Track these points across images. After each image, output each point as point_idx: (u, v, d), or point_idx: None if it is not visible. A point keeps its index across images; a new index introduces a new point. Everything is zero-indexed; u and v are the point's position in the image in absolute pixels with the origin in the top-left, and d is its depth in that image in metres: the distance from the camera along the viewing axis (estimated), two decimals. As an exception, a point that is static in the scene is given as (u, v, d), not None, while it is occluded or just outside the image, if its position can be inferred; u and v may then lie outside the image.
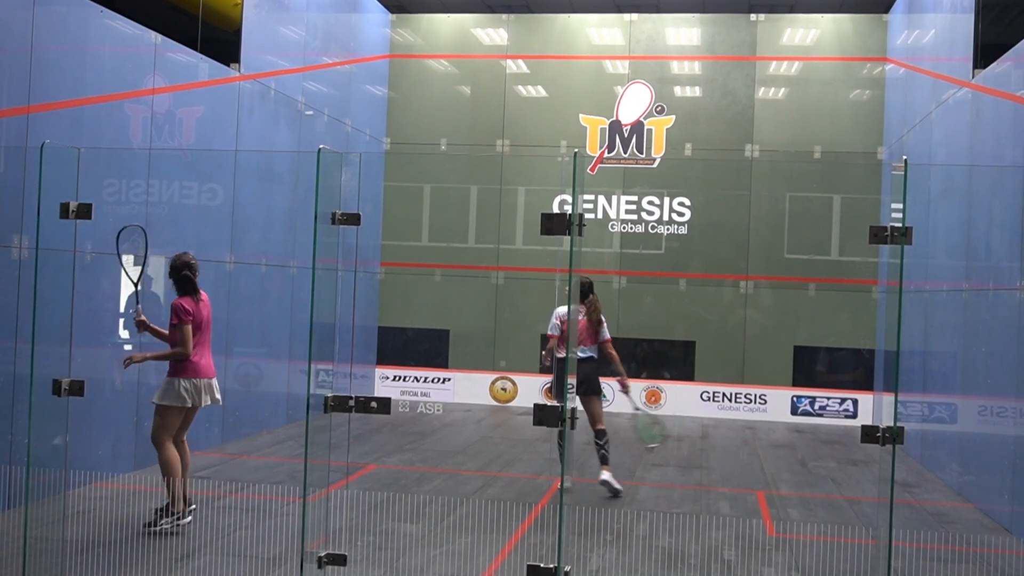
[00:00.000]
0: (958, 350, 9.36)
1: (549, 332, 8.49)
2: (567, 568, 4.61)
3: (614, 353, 8.45)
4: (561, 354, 8.28)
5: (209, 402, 6.85)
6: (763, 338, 14.12)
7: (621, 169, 14.47)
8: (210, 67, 9.77)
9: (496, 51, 14.93)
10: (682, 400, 14.13)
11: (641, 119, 14.47)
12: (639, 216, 14.40)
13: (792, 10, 14.31)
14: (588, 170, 14.38)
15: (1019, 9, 9.94)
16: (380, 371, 14.68)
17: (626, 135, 14.48)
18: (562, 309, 8.38)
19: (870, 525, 7.40)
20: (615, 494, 8.16)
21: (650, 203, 14.39)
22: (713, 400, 14.08)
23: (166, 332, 6.84)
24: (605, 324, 8.43)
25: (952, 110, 10.14)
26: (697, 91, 14.60)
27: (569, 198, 4.48)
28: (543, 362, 8.75)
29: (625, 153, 14.48)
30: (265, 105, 10.92)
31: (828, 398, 13.87)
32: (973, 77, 9.34)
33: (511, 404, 14.30)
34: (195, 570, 5.78)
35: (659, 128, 14.43)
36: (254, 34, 10.63)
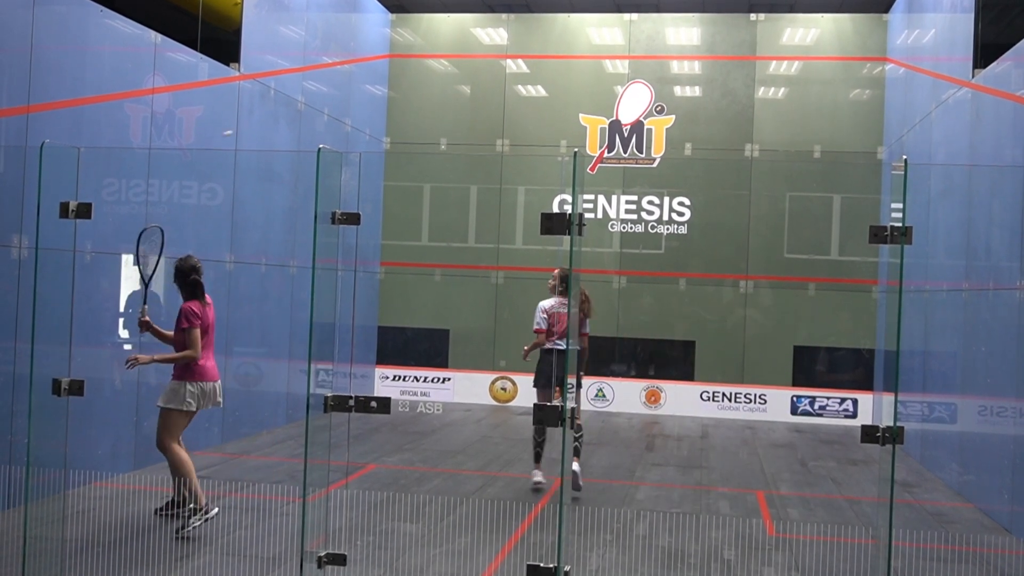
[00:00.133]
0: (958, 350, 9.36)
1: (535, 326, 8.39)
2: (567, 568, 4.61)
3: (586, 347, 8.48)
4: (550, 346, 8.26)
5: (211, 406, 6.84)
6: (763, 338, 14.12)
7: (621, 169, 14.47)
8: (210, 67, 9.77)
9: (496, 51, 14.93)
10: (682, 400, 14.14)
11: (641, 119, 14.48)
12: (639, 216, 14.40)
13: (792, 10, 14.31)
14: (588, 170, 14.38)
15: (1019, 9, 9.94)
16: (380, 371, 14.68)
17: (626, 135, 14.48)
18: (547, 302, 8.35)
19: (870, 525, 7.40)
20: (576, 487, 8.00)
21: (650, 203, 14.39)
22: (713, 400, 14.08)
23: (169, 334, 6.82)
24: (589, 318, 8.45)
25: (952, 110, 10.14)
26: (697, 91, 14.60)
27: (569, 198, 4.48)
28: (524, 357, 8.69)
29: (625, 153, 14.48)
30: (265, 105, 10.92)
31: (828, 398, 13.87)
32: (973, 77, 9.34)
33: (511, 404, 14.31)
34: (195, 570, 5.78)
35: (659, 128, 14.43)
36: (254, 34, 10.62)
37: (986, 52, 9.15)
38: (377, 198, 14.63)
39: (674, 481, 9.26)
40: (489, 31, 14.97)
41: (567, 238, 4.42)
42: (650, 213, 14.38)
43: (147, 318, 6.69)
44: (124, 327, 8.52)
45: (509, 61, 14.90)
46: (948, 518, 8.15)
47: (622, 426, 12.86)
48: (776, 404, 13.95)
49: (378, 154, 14.70)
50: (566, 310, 8.24)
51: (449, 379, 14.49)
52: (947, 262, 10.08)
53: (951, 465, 9.45)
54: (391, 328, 14.87)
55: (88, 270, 7.75)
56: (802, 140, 14.23)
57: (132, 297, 8.55)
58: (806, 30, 14.32)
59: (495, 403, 14.29)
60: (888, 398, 4.69)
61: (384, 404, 4.78)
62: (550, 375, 8.25)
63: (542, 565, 4.65)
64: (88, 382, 5.13)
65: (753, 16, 14.34)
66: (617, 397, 14.24)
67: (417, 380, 14.61)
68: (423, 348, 14.85)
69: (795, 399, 13.93)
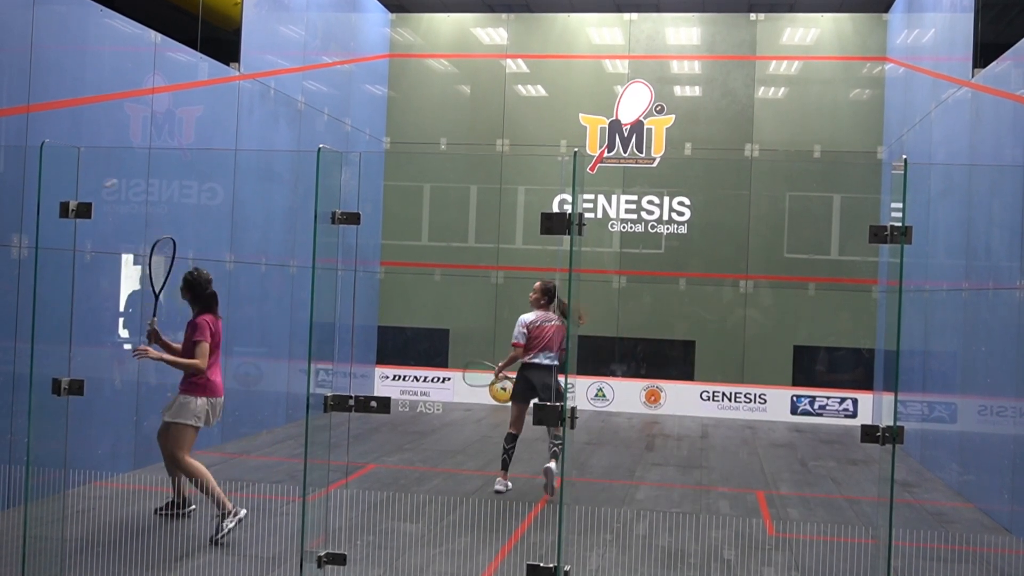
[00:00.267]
0: (958, 350, 9.36)
1: (514, 340, 8.13)
2: (567, 567, 4.61)
3: (561, 360, 8.24)
4: (528, 361, 8.07)
5: (214, 423, 6.78)
6: (763, 338, 14.12)
7: (621, 168, 14.47)
8: (210, 66, 9.77)
9: (496, 51, 14.93)
10: (682, 400, 14.14)
11: (641, 119, 14.48)
12: (639, 216, 14.40)
13: (792, 9, 14.31)
14: (588, 169, 14.38)
15: (1019, 8, 9.95)
16: (380, 370, 14.68)
17: (626, 135, 14.48)
18: (528, 316, 8.16)
19: (870, 525, 7.40)
20: (549, 489, 7.87)
21: (650, 203, 14.39)
22: (713, 400, 14.08)
23: (177, 347, 6.71)
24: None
25: (952, 109, 10.14)
26: (697, 91, 14.60)
27: (569, 197, 4.48)
28: (496, 375, 8.42)
29: (625, 153, 14.48)
30: (265, 104, 10.92)
31: (828, 398, 13.87)
32: (973, 76, 9.34)
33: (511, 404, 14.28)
34: (195, 569, 5.78)
35: (659, 127, 14.43)
36: (254, 33, 10.62)
37: (986, 52, 9.15)
38: (377, 198, 14.63)
39: (674, 481, 9.26)
40: (489, 31, 14.97)
41: (567, 238, 4.42)
42: (650, 213, 14.38)
43: (156, 328, 6.61)
44: (124, 327, 8.53)
45: (509, 61, 14.90)
46: (948, 518, 8.15)
47: (622, 426, 12.87)
48: (776, 404, 13.95)
49: (378, 154, 14.70)
50: (550, 324, 8.16)
51: (449, 379, 14.49)
52: (947, 262, 10.08)
53: (951, 465, 9.45)
54: (391, 328, 14.87)
55: (88, 270, 7.75)
56: (802, 140, 14.23)
57: (132, 297, 8.55)
58: (806, 30, 14.32)
59: (495, 403, 14.29)
60: (888, 398, 4.70)
61: (384, 404, 4.78)
62: (527, 390, 8.07)
63: (542, 565, 4.65)
64: (88, 382, 5.13)
65: (753, 16, 14.34)
66: (617, 397, 14.24)
67: (417, 380, 14.61)
68: (423, 348, 14.85)
69: (795, 399, 13.93)
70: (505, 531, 6.98)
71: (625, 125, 14.49)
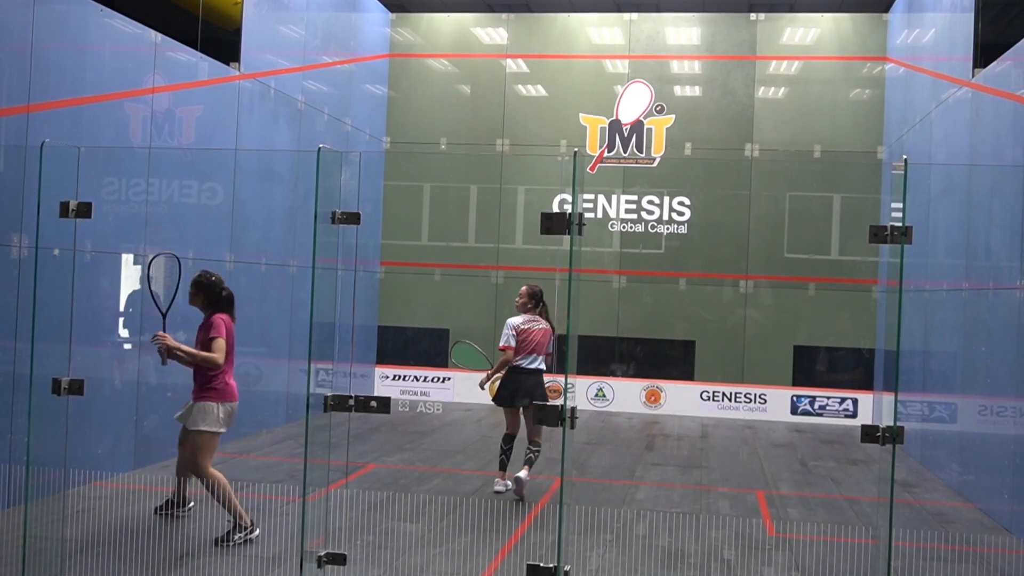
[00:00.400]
0: (958, 350, 9.36)
1: (503, 343, 8.07)
2: (567, 567, 4.61)
3: (549, 364, 8.22)
4: (516, 364, 8.03)
5: (227, 428, 6.66)
6: (763, 338, 14.12)
7: (621, 168, 14.47)
8: (210, 66, 9.77)
9: (496, 50, 14.93)
10: (682, 400, 14.14)
11: (641, 118, 14.47)
12: (639, 215, 14.40)
13: (792, 9, 14.31)
14: (588, 169, 14.38)
15: (1019, 8, 9.95)
16: (380, 370, 14.68)
17: (626, 134, 14.48)
18: (516, 319, 8.14)
19: (870, 525, 7.40)
20: (519, 496, 7.83)
21: (650, 202, 14.39)
22: (713, 400, 14.08)
23: (193, 352, 6.53)
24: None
25: (952, 109, 10.14)
26: (697, 90, 14.60)
27: (569, 197, 4.48)
28: (483, 384, 8.33)
29: (625, 152, 14.48)
30: (265, 104, 10.92)
31: (828, 398, 13.87)
32: (973, 76, 9.34)
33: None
34: (195, 569, 5.78)
35: (659, 127, 14.43)
36: (254, 33, 10.62)
37: (986, 52, 9.15)
38: (377, 198, 14.63)
39: (674, 481, 9.25)
40: (489, 31, 14.97)
41: (567, 238, 4.42)
42: (650, 213, 14.38)
43: (168, 342, 6.44)
44: (124, 327, 8.53)
45: (509, 61, 14.90)
46: (948, 518, 8.15)
47: (622, 426, 12.87)
48: (776, 404, 13.95)
49: (378, 154, 14.70)
50: (537, 327, 8.17)
51: (449, 379, 14.49)
52: (947, 262, 10.08)
53: (951, 465, 9.45)
54: (391, 328, 14.87)
55: (88, 270, 7.75)
56: (802, 140, 14.23)
57: (132, 297, 8.55)
58: (806, 30, 14.32)
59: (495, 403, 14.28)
60: (888, 398, 4.70)
61: (384, 404, 4.78)
62: (514, 393, 8.03)
63: (542, 565, 4.65)
64: (88, 382, 5.13)
65: (753, 16, 14.34)
66: (617, 397, 14.24)
67: (417, 380, 14.61)
68: (423, 348, 14.85)
69: (795, 399, 13.93)
70: (505, 531, 6.98)
71: (625, 125, 14.49)
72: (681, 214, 14.33)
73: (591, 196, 14.38)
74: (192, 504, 6.89)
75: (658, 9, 14.56)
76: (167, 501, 6.89)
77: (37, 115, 7.18)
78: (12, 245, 6.90)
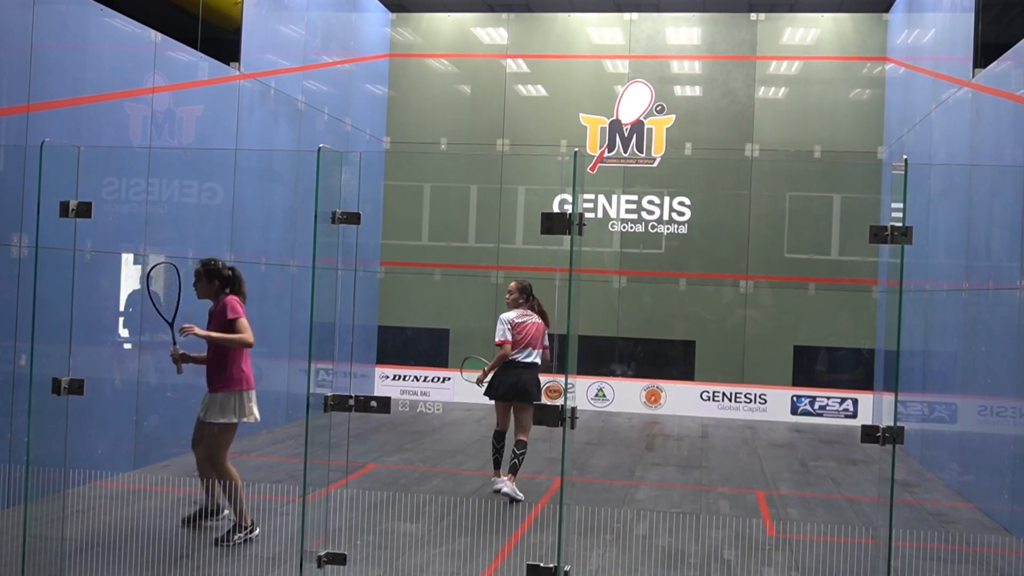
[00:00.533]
0: (958, 350, 9.36)
1: (499, 339, 8.03)
2: (567, 568, 4.61)
3: (548, 359, 8.22)
4: (512, 358, 8.00)
5: (256, 416, 6.52)
6: (763, 338, 14.12)
7: (621, 168, 14.47)
8: (210, 66, 9.77)
9: (496, 50, 14.93)
10: (682, 400, 14.13)
11: (641, 118, 14.47)
12: (639, 215, 14.39)
13: (792, 9, 14.31)
14: (588, 169, 14.37)
15: (1019, 8, 9.94)
16: (380, 370, 14.68)
17: (626, 134, 14.47)
18: (509, 314, 8.12)
19: (870, 525, 7.39)
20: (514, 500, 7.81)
21: (650, 202, 14.39)
22: (713, 400, 14.08)
23: (200, 355, 6.49)
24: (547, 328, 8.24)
25: (952, 109, 10.14)
26: (697, 90, 14.60)
27: (569, 197, 4.48)
28: (479, 381, 8.23)
29: (625, 152, 14.48)
30: (265, 104, 10.92)
31: (828, 398, 13.87)
32: (973, 76, 9.34)
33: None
34: (195, 569, 5.78)
35: (659, 127, 14.43)
36: (254, 33, 10.62)
37: (986, 52, 9.15)
38: (377, 198, 14.63)
39: (674, 481, 9.25)
40: (489, 31, 14.97)
41: (567, 238, 4.42)
42: (650, 213, 14.38)
43: (180, 352, 6.37)
44: (124, 327, 8.52)
45: (509, 61, 14.90)
46: (948, 518, 8.15)
47: (622, 426, 12.87)
48: (776, 404, 13.95)
49: (378, 154, 14.70)
50: (530, 320, 8.16)
51: (449, 379, 14.49)
52: (947, 262, 10.08)
53: (951, 465, 9.45)
54: (391, 328, 14.87)
55: (88, 269, 7.75)
56: (802, 140, 14.23)
57: (132, 297, 8.55)
58: (806, 30, 14.32)
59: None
60: (888, 398, 4.70)
61: (384, 404, 4.78)
62: (509, 388, 8.00)
63: (542, 565, 4.65)
64: (88, 381, 5.12)
65: (753, 16, 14.34)
66: (617, 397, 14.24)
67: (417, 380, 14.61)
68: (423, 348, 14.85)
69: (795, 399, 13.93)
70: (505, 531, 6.98)
71: (625, 125, 14.49)
72: (681, 214, 14.33)
73: (591, 196, 14.38)
74: (227, 512, 6.57)
75: (658, 9, 14.56)
76: (197, 511, 6.59)
77: (37, 115, 7.18)
78: (12, 245, 6.90)
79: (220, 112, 10.02)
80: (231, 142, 10.18)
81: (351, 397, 4.74)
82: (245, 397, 6.41)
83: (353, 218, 4.87)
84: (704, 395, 14.12)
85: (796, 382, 14.02)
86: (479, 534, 6.86)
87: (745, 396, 14.03)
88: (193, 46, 9.48)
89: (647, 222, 14.38)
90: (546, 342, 8.23)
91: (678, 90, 14.64)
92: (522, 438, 7.94)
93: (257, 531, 6.40)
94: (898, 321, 5.36)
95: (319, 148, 4.76)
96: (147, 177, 8.69)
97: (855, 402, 13.77)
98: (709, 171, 14.35)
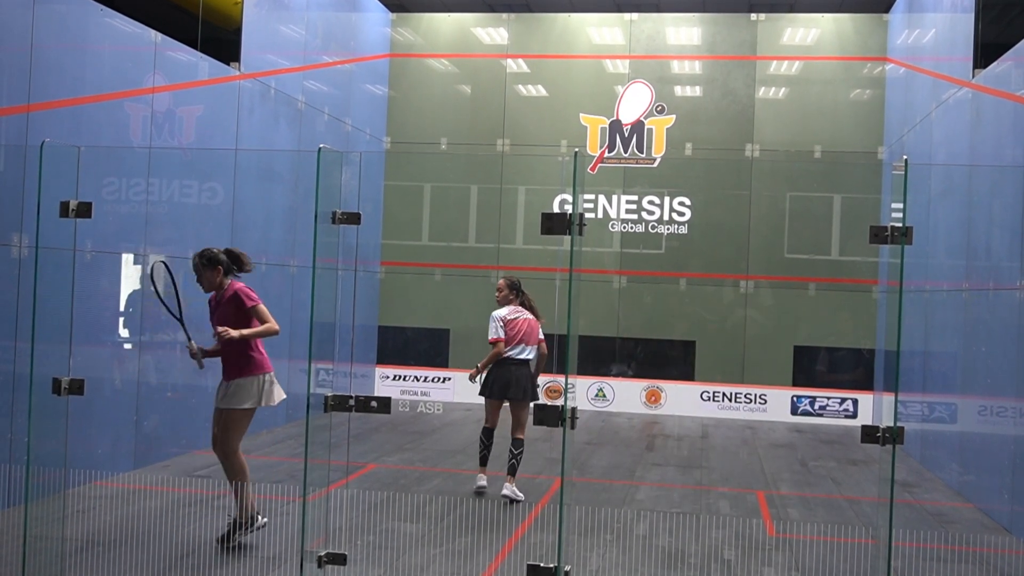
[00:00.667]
0: (958, 350, 9.36)
1: (492, 336, 8.04)
2: (567, 568, 4.61)
3: (545, 352, 8.22)
4: (506, 355, 8.01)
5: (279, 400, 6.44)
6: (763, 338, 14.12)
7: (621, 169, 14.47)
8: (210, 66, 9.77)
9: (496, 50, 14.93)
10: (682, 400, 14.13)
11: (641, 119, 14.47)
12: (639, 216, 14.39)
13: (792, 10, 14.31)
14: (588, 170, 14.37)
15: (1019, 9, 9.94)
16: (380, 370, 14.68)
17: (626, 135, 14.47)
18: (501, 311, 8.14)
19: (870, 525, 7.39)
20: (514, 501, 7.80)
21: (650, 203, 14.39)
22: (713, 400, 14.08)
23: (217, 348, 6.35)
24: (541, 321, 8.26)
25: (952, 110, 10.14)
26: (697, 91, 14.60)
27: (569, 197, 4.48)
28: (473, 377, 8.20)
29: (625, 153, 14.48)
30: (265, 104, 10.92)
31: (828, 398, 13.87)
32: (973, 77, 9.34)
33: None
34: (195, 569, 5.78)
35: (659, 128, 14.43)
36: (254, 33, 10.62)
37: (986, 52, 9.15)
38: (377, 198, 14.63)
39: (674, 481, 9.25)
40: (489, 31, 14.97)
41: (567, 238, 4.42)
42: (650, 213, 14.38)
43: (196, 348, 6.28)
44: (124, 327, 8.52)
45: (509, 61, 14.90)
46: (948, 518, 8.15)
47: (622, 426, 12.87)
48: (776, 404, 13.95)
49: (378, 154, 14.70)
50: (523, 316, 8.16)
51: (449, 379, 14.49)
52: (947, 262, 10.08)
53: (951, 465, 9.45)
54: (391, 328, 14.87)
55: (88, 269, 7.75)
56: (802, 140, 14.23)
57: (132, 297, 8.55)
58: (806, 30, 14.32)
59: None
60: (888, 398, 4.71)
61: (384, 404, 4.78)
62: (503, 385, 7.99)
63: (542, 565, 4.65)
64: (88, 381, 5.12)
65: (753, 16, 14.34)
66: (617, 397, 14.24)
67: (417, 380, 14.61)
68: (423, 348, 14.85)
69: (795, 399, 13.93)
70: (505, 531, 6.98)
71: (626, 125, 14.49)
72: (681, 214, 14.33)
73: (591, 196, 14.38)
74: (265, 519, 6.40)
75: (658, 9, 14.56)
76: (231, 526, 6.21)
77: (37, 115, 7.18)
78: (12, 245, 6.90)
79: (220, 112, 10.02)
80: (231, 142, 10.18)
81: (351, 397, 4.74)
82: (266, 380, 6.34)
83: (353, 218, 4.87)
84: (704, 395, 14.12)
85: (796, 382, 14.02)
86: (479, 534, 6.87)
87: (745, 396, 14.03)
88: (193, 46, 9.48)
89: (647, 222, 14.38)
90: (542, 335, 8.22)
91: (678, 90, 14.64)
92: (519, 436, 7.94)
93: (264, 520, 6.33)
94: (898, 321, 5.36)
95: (319, 148, 4.76)
96: (147, 177, 8.69)
97: (855, 402, 13.77)
98: (709, 171, 14.35)
